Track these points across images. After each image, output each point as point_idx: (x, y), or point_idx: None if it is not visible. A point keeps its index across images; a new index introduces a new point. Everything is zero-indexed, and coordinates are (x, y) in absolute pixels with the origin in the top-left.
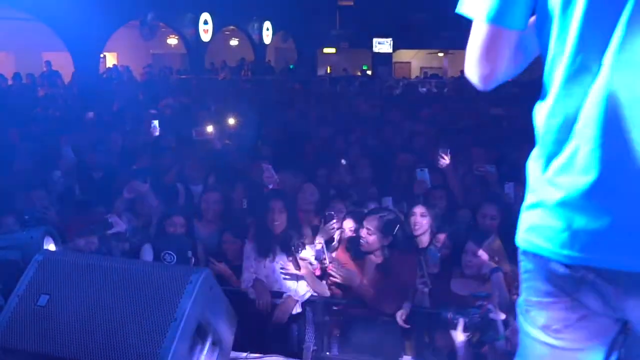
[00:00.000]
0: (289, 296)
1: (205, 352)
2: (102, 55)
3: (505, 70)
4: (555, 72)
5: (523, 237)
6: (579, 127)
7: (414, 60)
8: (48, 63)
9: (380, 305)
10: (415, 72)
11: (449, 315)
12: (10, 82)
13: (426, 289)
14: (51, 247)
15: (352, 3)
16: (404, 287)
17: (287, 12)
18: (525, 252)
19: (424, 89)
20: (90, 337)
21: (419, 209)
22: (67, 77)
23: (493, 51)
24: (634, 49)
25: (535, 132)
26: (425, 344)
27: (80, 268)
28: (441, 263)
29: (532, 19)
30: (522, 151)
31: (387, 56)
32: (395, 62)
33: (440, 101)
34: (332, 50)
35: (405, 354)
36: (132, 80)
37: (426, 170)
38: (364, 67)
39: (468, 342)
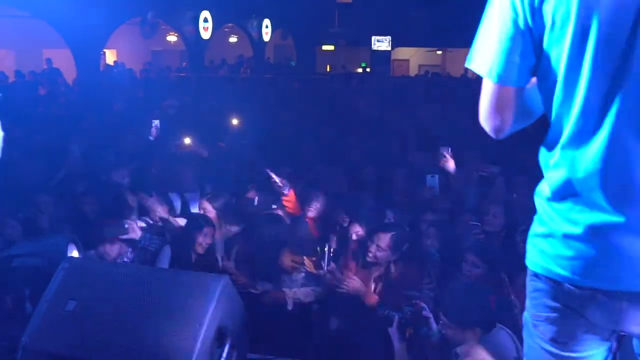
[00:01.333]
0: (283, 290)
1: (224, 355)
2: (101, 52)
3: (516, 121)
4: (560, 129)
5: (536, 262)
6: (582, 175)
7: (413, 58)
8: (49, 60)
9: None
10: (413, 70)
11: (385, 312)
12: (11, 80)
13: (432, 294)
14: (74, 253)
15: (350, 0)
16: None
17: (286, 9)
18: (537, 274)
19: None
20: (115, 342)
21: (428, 217)
22: (67, 74)
23: (501, 106)
24: (633, 111)
25: (542, 169)
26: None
27: (105, 275)
28: (441, 266)
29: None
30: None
31: (385, 54)
32: (394, 60)
33: (438, 102)
34: (331, 47)
35: None
36: (134, 78)
37: (437, 176)
38: (363, 65)
39: (402, 337)
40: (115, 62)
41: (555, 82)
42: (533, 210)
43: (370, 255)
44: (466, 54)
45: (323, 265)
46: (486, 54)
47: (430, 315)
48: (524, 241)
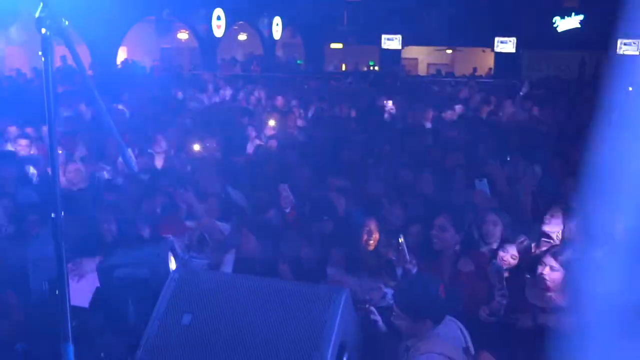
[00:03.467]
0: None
1: None
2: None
3: None
4: None
5: None
6: None
7: (421, 56)
8: (63, 58)
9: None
10: (422, 69)
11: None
12: (29, 76)
13: (504, 301)
14: (172, 262)
15: None
16: (480, 287)
17: (296, 7)
18: None
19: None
20: (237, 357)
21: (490, 217)
22: None
23: None
24: None
25: None
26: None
27: (219, 287)
28: (513, 269)
29: None
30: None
31: (395, 52)
32: (403, 59)
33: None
34: (339, 46)
35: None
36: (151, 77)
37: (485, 180)
38: (371, 63)
39: None
40: (125, 59)
41: None
42: None
43: (435, 240)
44: (475, 52)
45: (407, 258)
46: None
47: (379, 319)
48: None
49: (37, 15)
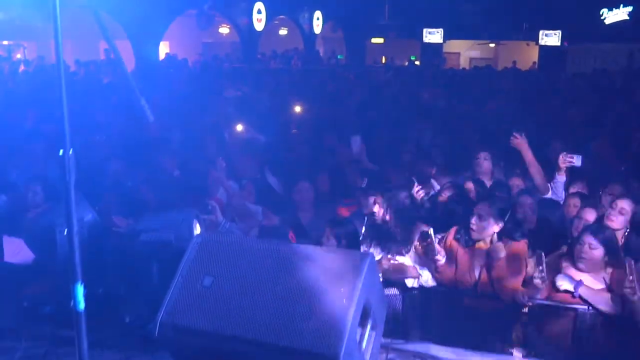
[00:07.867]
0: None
1: (366, 336)
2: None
3: None
4: None
5: None
6: None
7: (463, 50)
8: (107, 51)
9: (494, 290)
10: (464, 62)
11: None
12: (72, 69)
13: (543, 285)
14: (197, 229)
15: None
16: (517, 272)
17: (336, 1)
18: None
19: None
20: (260, 318)
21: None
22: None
23: None
24: None
25: None
26: (534, 335)
27: (241, 250)
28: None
29: None
30: None
31: (437, 46)
32: (444, 53)
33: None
34: (380, 40)
35: (513, 348)
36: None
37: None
38: (412, 58)
39: None
40: (167, 54)
41: None
42: None
43: (473, 228)
44: (519, 46)
45: (435, 251)
46: None
47: None
48: None
49: None
